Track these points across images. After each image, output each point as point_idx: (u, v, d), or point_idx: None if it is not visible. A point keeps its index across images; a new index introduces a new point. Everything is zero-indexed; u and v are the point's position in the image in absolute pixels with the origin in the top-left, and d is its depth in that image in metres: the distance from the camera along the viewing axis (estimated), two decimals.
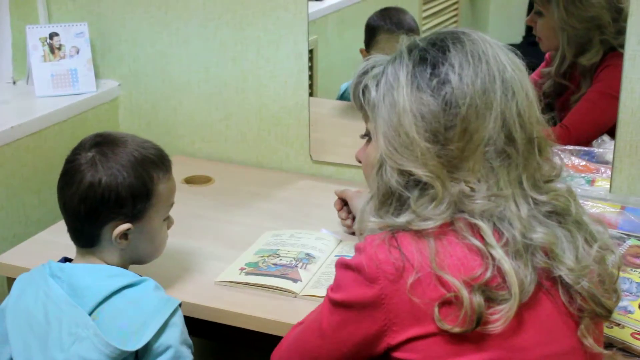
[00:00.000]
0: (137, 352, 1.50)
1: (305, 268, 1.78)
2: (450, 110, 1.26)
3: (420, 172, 1.27)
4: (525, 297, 1.23)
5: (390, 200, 1.32)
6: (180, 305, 1.55)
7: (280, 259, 1.82)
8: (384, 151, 1.31)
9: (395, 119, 1.29)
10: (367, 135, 1.46)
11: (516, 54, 1.34)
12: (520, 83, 1.30)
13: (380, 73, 1.35)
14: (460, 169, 1.27)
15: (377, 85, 1.34)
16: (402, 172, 1.29)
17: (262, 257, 1.83)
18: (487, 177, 1.27)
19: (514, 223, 1.25)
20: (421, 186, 1.28)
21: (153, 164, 1.59)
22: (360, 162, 1.54)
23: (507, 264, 1.23)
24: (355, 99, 1.42)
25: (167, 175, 1.63)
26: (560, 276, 1.26)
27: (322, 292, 1.67)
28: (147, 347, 1.49)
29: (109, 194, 1.53)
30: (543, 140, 1.32)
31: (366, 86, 1.37)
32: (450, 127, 1.26)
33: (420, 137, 1.27)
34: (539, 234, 1.26)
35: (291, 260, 1.81)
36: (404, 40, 1.36)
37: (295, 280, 1.74)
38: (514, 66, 1.31)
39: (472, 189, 1.27)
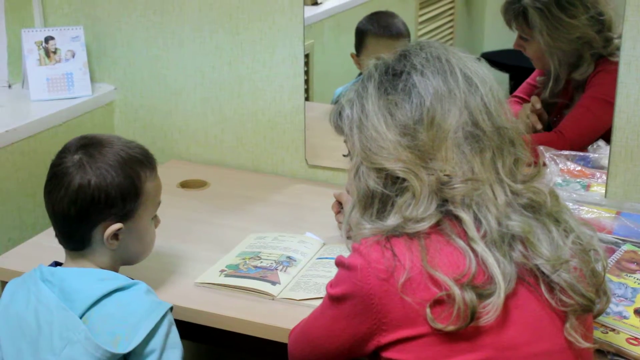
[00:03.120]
0: (125, 355, 1.50)
1: (285, 271, 1.79)
2: (416, 103, 1.33)
3: (395, 167, 1.32)
4: (509, 288, 1.27)
5: (372, 201, 1.36)
6: (171, 309, 1.56)
7: (261, 262, 1.83)
8: (359, 153, 1.36)
9: (367, 122, 1.36)
10: (349, 154, 1.48)
11: (482, 63, 1.40)
12: (483, 79, 1.36)
13: (353, 93, 1.41)
14: (433, 158, 1.32)
15: (351, 105, 1.40)
16: (378, 171, 1.34)
17: (243, 259, 1.84)
18: (461, 164, 1.31)
19: (491, 208, 1.29)
20: (399, 183, 1.33)
21: (140, 162, 1.60)
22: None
23: (489, 256, 1.27)
24: (334, 124, 1.47)
25: (154, 174, 1.64)
26: (537, 266, 1.29)
27: (300, 295, 1.70)
28: (135, 350, 1.50)
29: (99, 194, 1.54)
30: (514, 133, 1.36)
31: (342, 107, 1.43)
32: (419, 120, 1.32)
33: (390, 131, 1.33)
34: (515, 222, 1.30)
35: (272, 263, 1.82)
36: (371, 61, 1.44)
37: (274, 283, 1.74)
38: (477, 67, 1.38)
39: (449, 176, 1.31)
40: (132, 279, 1.58)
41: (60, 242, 1.61)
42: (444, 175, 1.30)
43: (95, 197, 1.54)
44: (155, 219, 1.68)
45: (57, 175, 1.57)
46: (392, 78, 1.36)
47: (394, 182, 1.33)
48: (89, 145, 1.58)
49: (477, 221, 1.29)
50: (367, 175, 1.35)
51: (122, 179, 1.56)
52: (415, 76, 1.34)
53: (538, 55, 2.15)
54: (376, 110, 1.35)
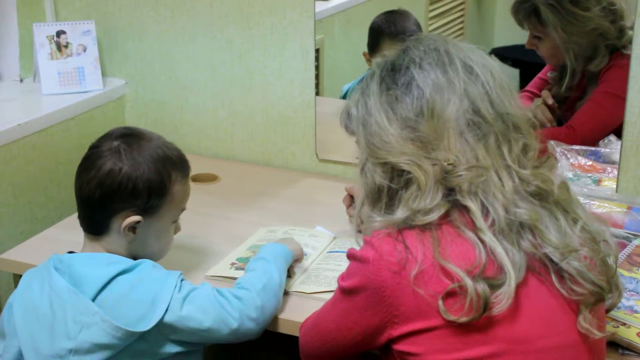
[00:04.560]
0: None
1: (295, 265, 1.79)
2: (416, 96, 1.34)
3: (398, 160, 1.33)
4: (520, 276, 1.27)
5: (379, 196, 1.37)
6: (181, 274, 1.59)
7: None
8: (364, 149, 1.38)
9: (370, 119, 1.37)
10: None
11: (483, 51, 1.41)
12: (484, 66, 1.37)
13: (359, 94, 1.43)
14: (436, 148, 1.32)
15: (356, 104, 1.42)
16: (383, 165, 1.35)
17: (254, 252, 1.84)
18: (464, 152, 1.32)
19: (497, 195, 1.29)
20: (404, 176, 1.33)
21: (174, 164, 1.64)
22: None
23: (497, 246, 1.27)
24: (344, 124, 1.50)
25: (185, 180, 1.67)
26: (546, 254, 1.29)
27: (311, 289, 1.71)
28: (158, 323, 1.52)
29: (127, 183, 1.57)
30: (519, 119, 1.36)
31: (349, 107, 1.45)
32: (419, 112, 1.34)
33: (391, 125, 1.34)
34: (522, 210, 1.30)
35: None
36: (375, 60, 1.48)
37: None
38: (478, 56, 1.38)
39: (453, 165, 1.31)
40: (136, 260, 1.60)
41: (81, 224, 1.64)
42: (448, 164, 1.31)
43: (123, 184, 1.57)
44: (176, 225, 1.71)
45: (91, 157, 1.60)
46: (393, 73, 1.38)
47: (400, 175, 1.34)
48: (130, 136, 1.63)
49: (485, 209, 1.29)
50: (372, 170, 1.36)
51: (152, 175, 1.59)
52: (414, 69, 1.36)
53: (553, 52, 2.15)
54: (378, 106, 1.37)
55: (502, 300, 1.25)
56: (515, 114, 1.36)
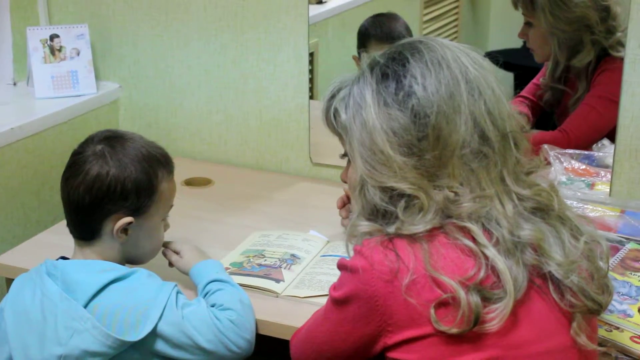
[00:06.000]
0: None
1: (289, 269, 1.80)
2: (420, 120, 1.28)
3: (403, 186, 1.29)
4: (519, 295, 1.25)
5: (377, 215, 1.33)
6: (176, 286, 1.58)
7: (265, 260, 1.83)
8: (362, 171, 1.33)
9: (367, 138, 1.31)
10: (346, 155, 1.46)
11: (478, 53, 1.36)
12: (485, 81, 1.32)
13: (347, 95, 1.37)
14: (440, 176, 1.29)
15: (345, 107, 1.36)
16: (384, 189, 1.31)
17: (247, 257, 1.85)
18: (468, 180, 1.29)
19: (501, 222, 1.27)
20: (406, 198, 1.30)
21: (159, 162, 1.64)
22: (345, 182, 1.55)
23: (501, 263, 1.25)
24: (328, 123, 1.44)
25: (171, 176, 1.68)
26: (550, 272, 1.28)
27: (304, 293, 1.70)
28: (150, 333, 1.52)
29: (115, 185, 1.57)
30: (518, 134, 1.33)
31: (336, 110, 1.39)
32: (423, 138, 1.28)
33: (395, 152, 1.29)
34: (526, 231, 1.28)
35: (276, 261, 1.82)
36: (364, 59, 1.38)
37: (277, 281, 1.75)
38: (476, 65, 1.33)
39: (456, 194, 1.28)
40: (132, 267, 1.60)
41: (71, 231, 1.64)
42: (451, 191, 1.28)
43: (112, 187, 1.57)
44: (165, 223, 1.71)
45: (76, 163, 1.60)
46: (392, 90, 1.31)
47: (400, 196, 1.30)
48: (112, 138, 1.62)
49: (487, 231, 1.27)
50: (373, 193, 1.32)
51: (139, 174, 1.59)
52: (416, 87, 1.29)
53: (540, 43, 2.16)
54: (377, 125, 1.30)
55: (494, 319, 1.23)
56: (514, 130, 1.32)
